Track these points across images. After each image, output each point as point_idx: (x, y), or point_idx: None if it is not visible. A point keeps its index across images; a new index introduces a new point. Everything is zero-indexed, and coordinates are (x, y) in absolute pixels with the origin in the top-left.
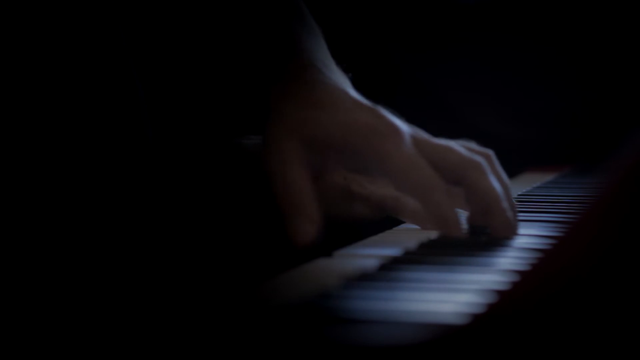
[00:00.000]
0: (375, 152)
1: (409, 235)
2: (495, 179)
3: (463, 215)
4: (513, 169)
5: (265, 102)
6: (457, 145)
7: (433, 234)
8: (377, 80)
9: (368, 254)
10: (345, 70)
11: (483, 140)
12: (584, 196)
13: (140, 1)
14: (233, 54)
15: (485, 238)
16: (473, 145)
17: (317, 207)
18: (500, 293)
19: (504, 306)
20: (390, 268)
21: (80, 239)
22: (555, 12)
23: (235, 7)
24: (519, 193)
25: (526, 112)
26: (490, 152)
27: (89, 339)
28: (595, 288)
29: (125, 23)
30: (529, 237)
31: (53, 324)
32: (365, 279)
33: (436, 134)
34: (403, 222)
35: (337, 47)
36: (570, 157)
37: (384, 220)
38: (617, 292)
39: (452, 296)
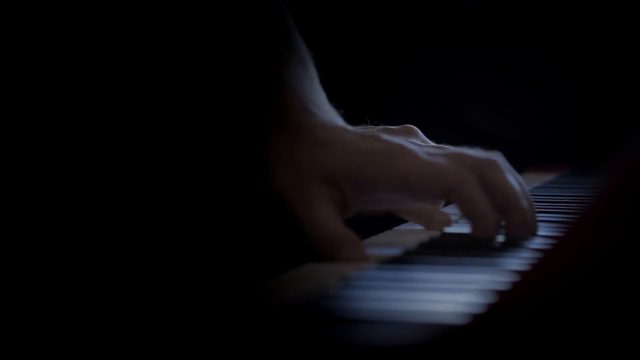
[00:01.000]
0: (395, 174)
1: (409, 235)
2: (512, 177)
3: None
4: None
5: (258, 144)
6: (467, 149)
7: (433, 234)
8: (377, 80)
9: (368, 254)
10: (337, 107)
11: (483, 140)
12: (584, 196)
13: (140, 2)
14: (225, 72)
15: (503, 238)
16: (479, 150)
17: (352, 232)
18: (500, 293)
19: (504, 306)
20: (390, 268)
21: (80, 239)
22: (555, 12)
23: (224, 43)
24: None
25: (526, 112)
26: (499, 154)
27: (89, 339)
28: (595, 288)
29: (125, 23)
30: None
31: (53, 324)
32: (365, 279)
33: (436, 134)
34: (403, 222)
35: (337, 48)
36: (570, 157)
37: (384, 220)
38: (617, 292)
39: (452, 296)
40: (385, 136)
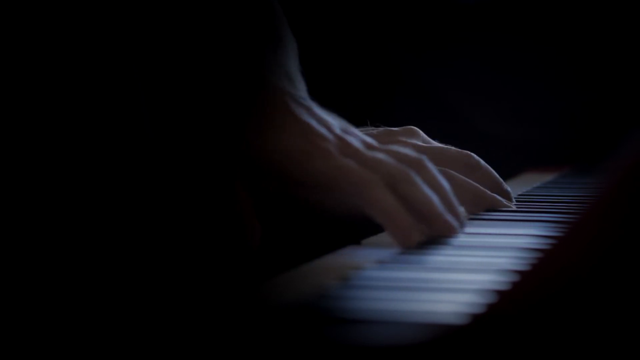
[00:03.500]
0: (305, 174)
1: None
2: (427, 186)
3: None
4: (513, 169)
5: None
6: (385, 156)
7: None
8: (377, 80)
9: (368, 254)
10: (336, 107)
11: (483, 141)
12: (584, 196)
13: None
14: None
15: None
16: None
17: (250, 214)
18: (500, 293)
19: (504, 306)
20: (390, 268)
21: (79, 238)
22: (555, 12)
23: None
24: (519, 193)
25: (526, 112)
26: (423, 157)
27: (89, 339)
28: (595, 288)
29: (126, 22)
30: (529, 237)
31: (53, 324)
32: (365, 279)
33: (436, 134)
34: None
35: (336, 48)
36: (570, 157)
37: None
38: (617, 292)
39: (452, 296)
40: (315, 131)
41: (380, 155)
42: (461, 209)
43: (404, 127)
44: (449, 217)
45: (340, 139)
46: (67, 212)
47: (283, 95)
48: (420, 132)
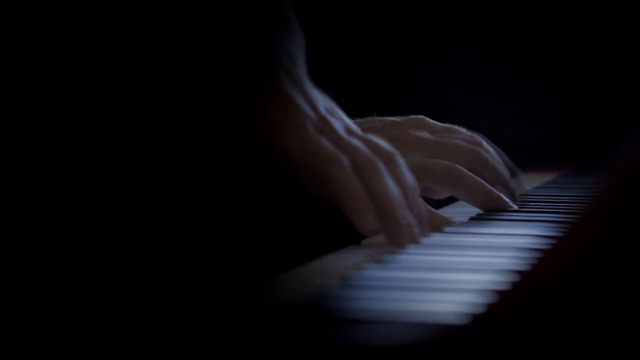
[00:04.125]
0: (284, 148)
1: None
2: (393, 180)
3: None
4: None
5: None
6: (360, 144)
7: (432, 234)
8: (377, 80)
9: (368, 254)
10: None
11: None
12: (584, 196)
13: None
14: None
15: (502, 239)
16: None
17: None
18: (500, 293)
19: (504, 306)
20: (390, 268)
21: (81, 236)
22: (555, 12)
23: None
24: (519, 193)
25: (526, 112)
26: (395, 152)
27: (89, 339)
28: (595, 288)
29: (131, 16)
30: (529, 237)
31: (53, 324)
32: (365, 279)
33: None
34: None
35: (337, 48)
36: (570, 157)
37: None
38: (617, 292)
39: (452, 296)
40: (297, 107)
41: (355, 142)
42: (423, 210)
43: (409, 117)
44: (404, 213)
45: (321, 118)
46: (68, 209)
47: (277, 68)
48: (427, 120)
